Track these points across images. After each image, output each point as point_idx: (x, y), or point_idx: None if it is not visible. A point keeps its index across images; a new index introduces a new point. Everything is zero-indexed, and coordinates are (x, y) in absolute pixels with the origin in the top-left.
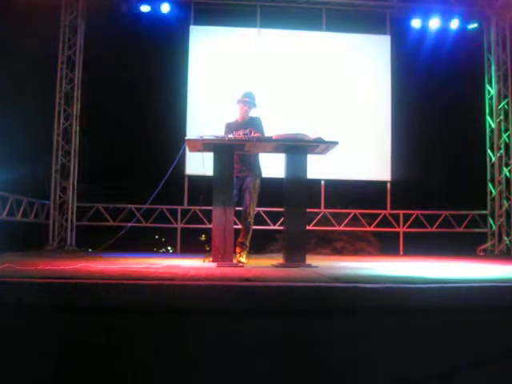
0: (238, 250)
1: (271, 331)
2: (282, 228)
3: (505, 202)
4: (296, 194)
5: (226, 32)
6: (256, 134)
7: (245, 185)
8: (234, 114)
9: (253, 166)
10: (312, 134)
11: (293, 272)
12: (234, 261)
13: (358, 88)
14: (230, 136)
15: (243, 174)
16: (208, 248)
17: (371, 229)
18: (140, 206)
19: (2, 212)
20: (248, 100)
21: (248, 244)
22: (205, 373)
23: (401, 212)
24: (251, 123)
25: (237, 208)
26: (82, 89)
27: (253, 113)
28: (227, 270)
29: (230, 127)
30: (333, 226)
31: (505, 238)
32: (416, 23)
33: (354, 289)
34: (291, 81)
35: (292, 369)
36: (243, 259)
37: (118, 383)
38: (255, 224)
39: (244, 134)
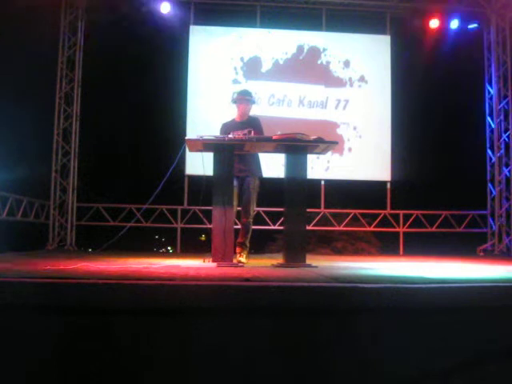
0: (237, 249)
1: (271, 331)
2: (282, 228)
3: (505, 201)
4: (296, 194)
5: (226, 32)
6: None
7: (245, 185)
8: (231, 114)
9: (253, 166)
10: (312, 134)
11: (293, 272)
12: (234, 261)
13: (358, 88)
14: (230, 136)
15: (243, 174)
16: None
17: (371, 229)
18: (140, 206)
19: (1, 212)
20: (248, 98)
21: (248, 244)
22: (205, 373)
23: (401, 212)
24: (250, 123)
25: (237, 208)
26: (82, 89)
27: (252, 112)
28: (227, 270)
29: (227, 127)
30: (333, 225)
31: (505, 237)
32: (416, 23)
33: (354, 289)
34: (291, 80)
35: (292, 369)
36: (243, 259)
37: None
38: (255, 224)
39: (244, 135)
